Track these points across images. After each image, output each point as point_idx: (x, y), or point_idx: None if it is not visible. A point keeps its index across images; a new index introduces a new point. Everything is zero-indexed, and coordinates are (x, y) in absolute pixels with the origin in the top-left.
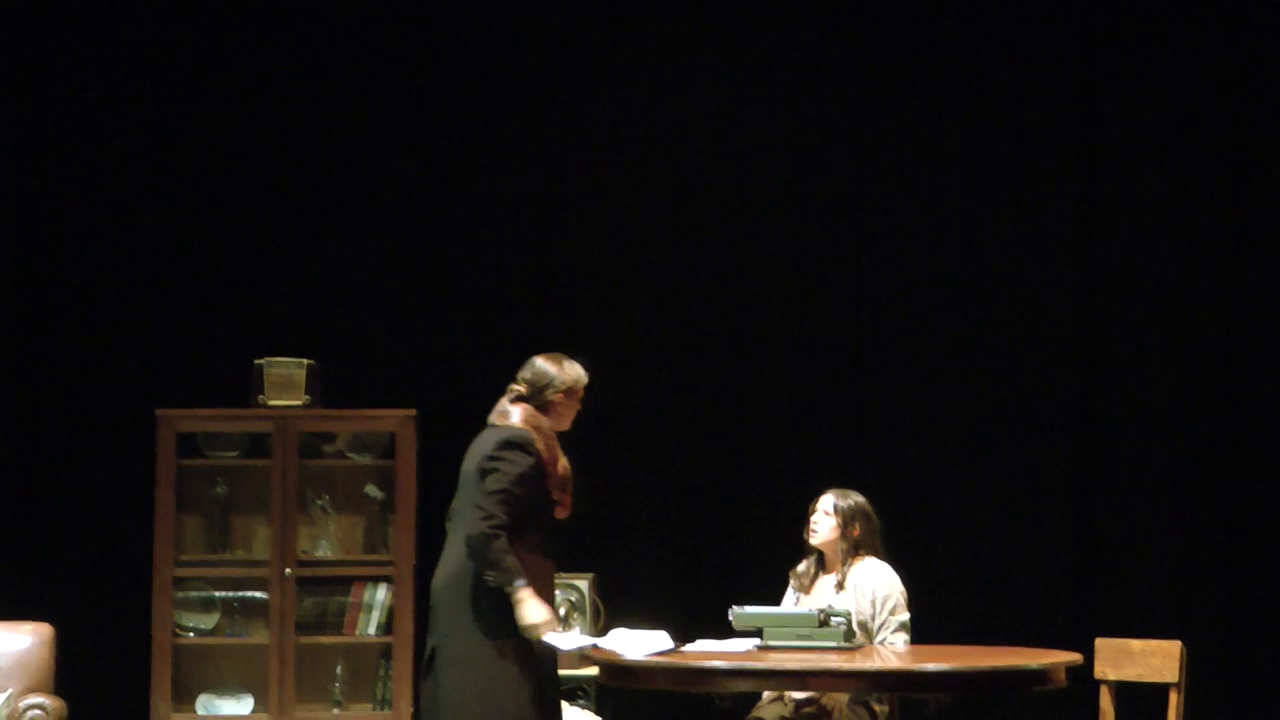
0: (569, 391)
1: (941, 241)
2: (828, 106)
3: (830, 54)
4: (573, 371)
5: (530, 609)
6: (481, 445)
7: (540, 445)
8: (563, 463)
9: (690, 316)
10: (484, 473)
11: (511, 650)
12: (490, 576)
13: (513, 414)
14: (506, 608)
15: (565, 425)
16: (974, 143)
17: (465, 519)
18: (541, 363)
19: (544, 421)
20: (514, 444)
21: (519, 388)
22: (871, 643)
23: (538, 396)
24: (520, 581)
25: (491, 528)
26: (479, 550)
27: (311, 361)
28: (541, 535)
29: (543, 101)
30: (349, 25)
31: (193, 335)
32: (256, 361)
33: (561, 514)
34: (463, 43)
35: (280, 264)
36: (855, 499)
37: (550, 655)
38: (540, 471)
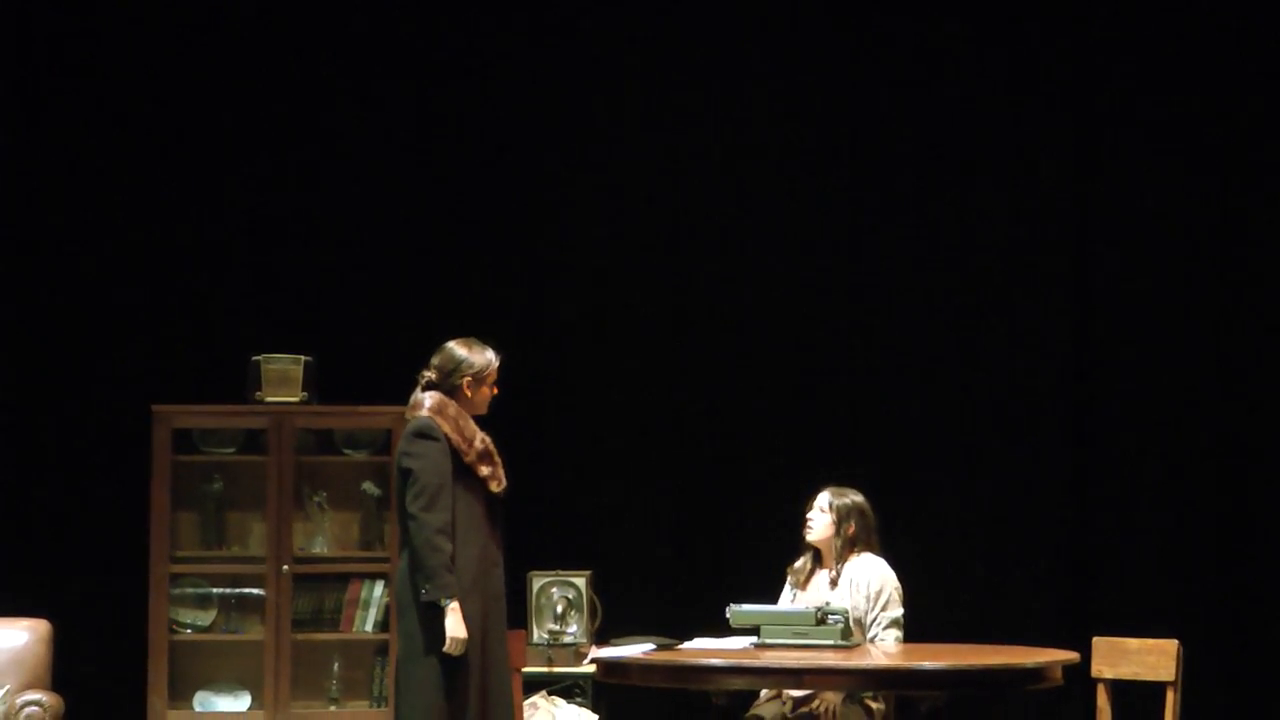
0: (477, 376)
1: (937, 237)
2: (822, 104)
3: (826, 49)
4: (482, 356)
5: (455, 624)
6: (400, 442)
7: (446, 427)
8: (480, 439)
9: (686, 313)
10: (403, 473)
11: (437, 654)
12: (426, 589)
13: (423, 402)
14: (436, 614)
15: (480, 409)
16: (969, 141)
17: (405, 524)
18: (452, 347)
19: (450, 406)
20: (417, 434)
21: (429, 374)
22: (865, 637)
23: (446, 381)
24: (450, 599)
25: (429, 537)
26: (419, 563)
27: (308, 358)
28: (479, 513)
29: (539, 99)
30: (347, 21)
31: (189, 331)
32: (253, 358)
33: (495, 487)
34: (459, 38)
35: (277, 260)
36: (852, 496)
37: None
38: (453, 452)
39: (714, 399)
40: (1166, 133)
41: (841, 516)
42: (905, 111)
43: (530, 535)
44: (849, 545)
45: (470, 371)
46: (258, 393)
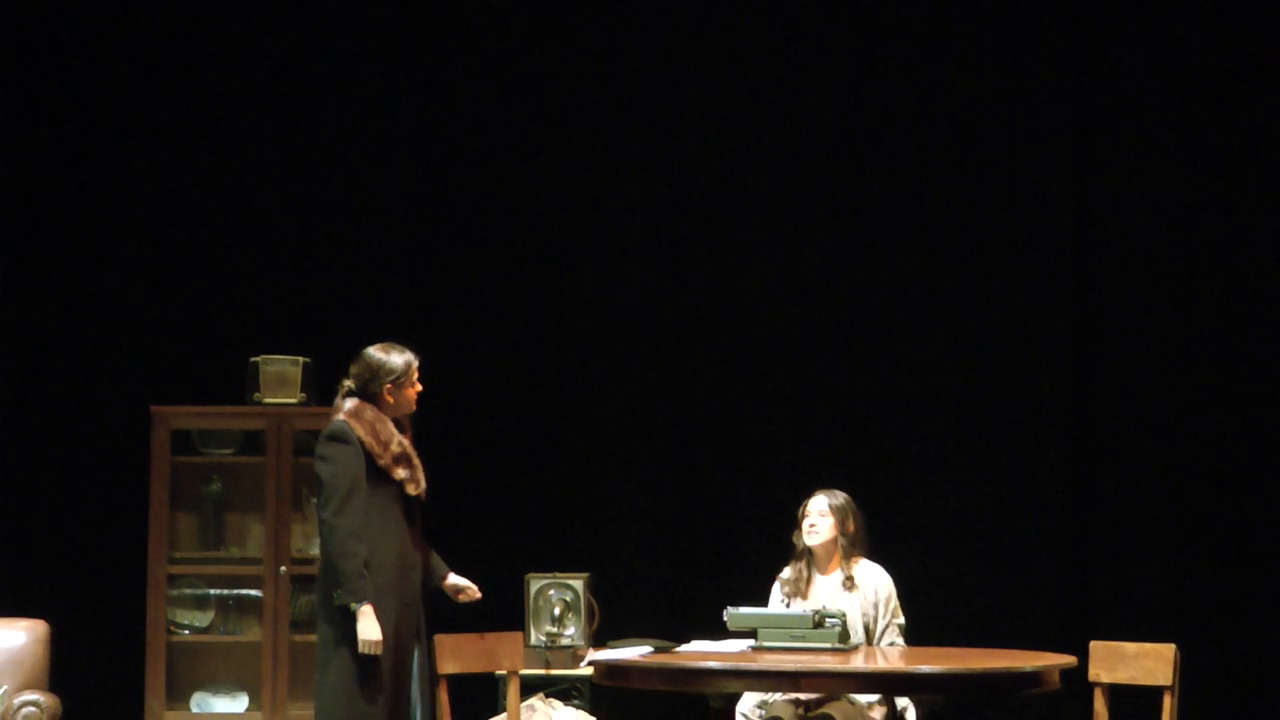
0: (397, 380)
1: (937, 240)
2: (823, 106)
3: (827, 51)
4: (401, 359)
5: (367, 627)
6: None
7: (360, 431)
8: (397, 441)
9: (683, 316)
10: (317, 478)
11: (349, 656)
12: (338, 595)
13: (341, 407)
14: (349, 617)
15: (406, 409)
16: (969, 141)
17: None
18: (369, 353)
19: (368, 410)
20: (329, 438)
21: (349, 382)
22: (872, 644)
23: (366, 388)
24: (362, 602)
25: (341, 541)
26: (330, 566)
27: (307, 359)
28: (396, 516)
29: (537, 100)
30: (345, 23)
31: (188, 332)
32: (252, 359)
33: (413, 490)
34: (458, 40)
35: (276, 261)
36: (843, 496)
37: (403, 664)
38: (366, 455)
39: (711, 402)
40: (1169, 132)
41: (842, 517)
42: (905, 114)
43: (528, 538)
44: (853, 544)
45: (390, 377)
46: (256, 394)
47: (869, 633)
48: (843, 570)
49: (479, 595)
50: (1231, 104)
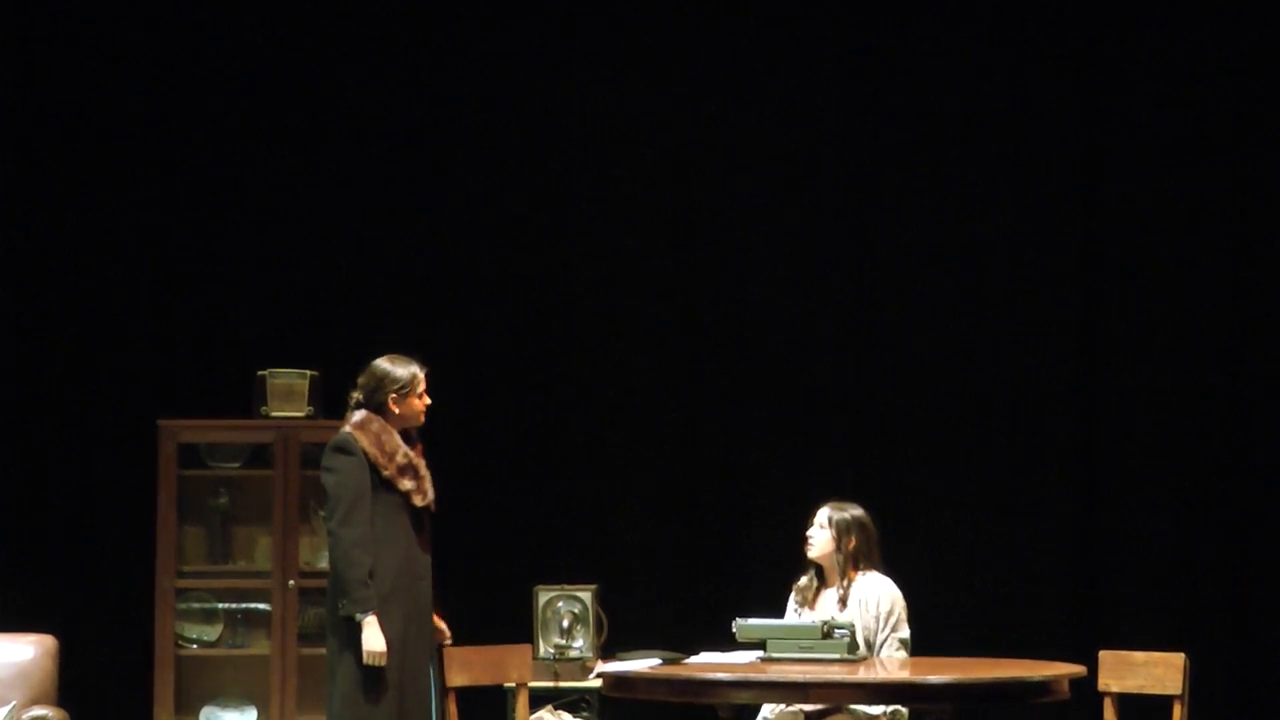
0: (401, 390)
1: (942, 249)
2: (828, 109)
3: (833, 55)
4: (405, 370)
5: (371, 637)
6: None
7: (365, 442)
8: (402, 453)
9: (691, 326)
10: (323, 490)
11: (355, 665)
12: (342, 605)
13: (350, 419)
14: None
15: (414, 421)
16: (975, 147)
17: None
18: (376, 365)
19: (374, 421)
20: (334, 449)
21: (356, 394)
22: (873, 657)
23: (372, 399)
24: (366, 613)
25: (345, 551)
26: (336, 577)
27: (314, 372)
28: (402, 526)
29: (541, 110)
30: (354, 30)
31: (195, 345)
32: (259, 372)
33: (419, 501)
34: (464, 49)
35: (283, 274)
36: (852, 511)
37: (417, 675)
38: (371, 466)
39: (720, 413)
40: (1175, 135)
41: (841, 531)
42: (911, 116)
43: (536, 549)
44: (851, 560)
45: (394, 387)
46: (264, 407)
47: (869, 646)
48: (839, 588)
49: (449, 640)
50: (1242, 107)
